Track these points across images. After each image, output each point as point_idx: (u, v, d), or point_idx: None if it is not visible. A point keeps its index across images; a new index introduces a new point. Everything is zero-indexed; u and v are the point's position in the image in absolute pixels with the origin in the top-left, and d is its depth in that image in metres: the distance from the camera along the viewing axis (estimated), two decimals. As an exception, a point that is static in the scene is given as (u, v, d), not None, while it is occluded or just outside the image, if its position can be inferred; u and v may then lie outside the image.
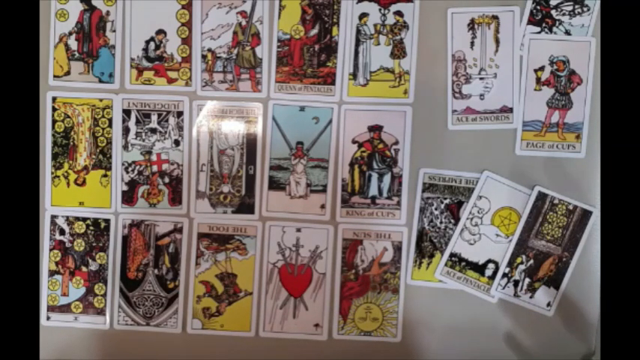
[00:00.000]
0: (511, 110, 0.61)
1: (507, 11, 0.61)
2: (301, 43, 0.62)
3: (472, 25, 0.61)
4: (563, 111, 0.62)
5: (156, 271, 0.63)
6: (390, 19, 0.62)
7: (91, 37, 0.62)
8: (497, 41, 0.61)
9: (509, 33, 0.61)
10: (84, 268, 0.63)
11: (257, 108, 0.62)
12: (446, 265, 0.62)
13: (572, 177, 0.62)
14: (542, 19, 0.61)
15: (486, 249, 0.62)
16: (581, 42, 0.61)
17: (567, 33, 0.61)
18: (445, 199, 0.62)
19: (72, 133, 0.63)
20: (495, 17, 0.61)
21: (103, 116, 0.63)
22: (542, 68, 0.61)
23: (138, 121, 0.63)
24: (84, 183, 0.63)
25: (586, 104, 0.61)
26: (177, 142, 0.63)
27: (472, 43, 0.61)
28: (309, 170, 0.63)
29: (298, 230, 0.63)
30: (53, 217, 0.63)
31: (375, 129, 0.62)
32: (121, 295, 0.63)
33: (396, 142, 0.62)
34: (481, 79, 0.61)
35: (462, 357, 0.63)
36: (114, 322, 0.63)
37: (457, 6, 0.61)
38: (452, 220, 0.62)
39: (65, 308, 0.64)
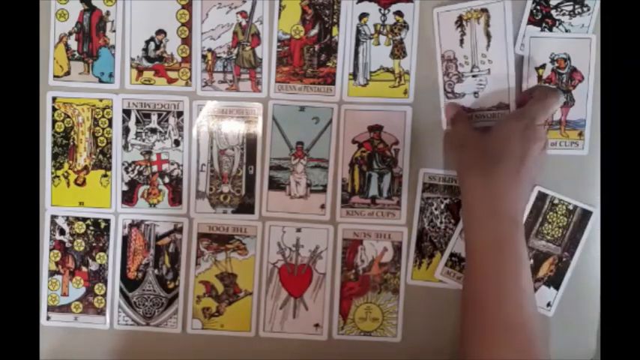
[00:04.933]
0: (507, 107, 0.61)
1: (496, 2, 0.60)
2: (301, 43, 0.62)
3: (460, 22, 0.60)
4: (565, 108, 0.61)
5: (156, 271, 0.63)
6: (390, 19, 0.61)
7: (91, 37, 0.62)
8: (488, 35, 0.60)
9: (500, 25, 0.60)
10: (84, 268, 0.63)
11: (257, 108, 0.62)
12: (446, 265, 0.62)
13: (575, 174, 0.61)
14: (542, 19, 0.61)
15: (486, 249, 0.62)
16: (582, 39, 0.61)
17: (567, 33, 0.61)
18: (445, 199, 0.62)
19: (72, 133, 0.63)
20: (484, 10, 0.60)
21: (103, 116, 0.63)
22: (543, 66, 0.61)
23: (138, 121, 0.63)
24: (84, 183, 0.63)
25: (588, 101, 0.61)
26: (177, 142, 0.63)
27: (461, 41, 0.60)
28: (309, 170, 0.63)
29: (298, 230, 0.63)
30: (53, 217, 0.63)
31: (375, 129, 0.62)
32: (121, 295, 0.63)
33: (396, 142, 0.62)
34: (474, 76, 0.61)
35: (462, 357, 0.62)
36: (114, 322, 0.63)
37: (442, 4, 0.60)
38: (452, 220, 0.62)
39: (65, 308, 0.64)
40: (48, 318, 0.64)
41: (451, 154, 0.60)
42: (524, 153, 0.52)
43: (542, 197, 0.61)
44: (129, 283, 0.63)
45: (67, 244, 0.63)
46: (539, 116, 0.55)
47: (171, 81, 0.62)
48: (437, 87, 0.61)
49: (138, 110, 0.63)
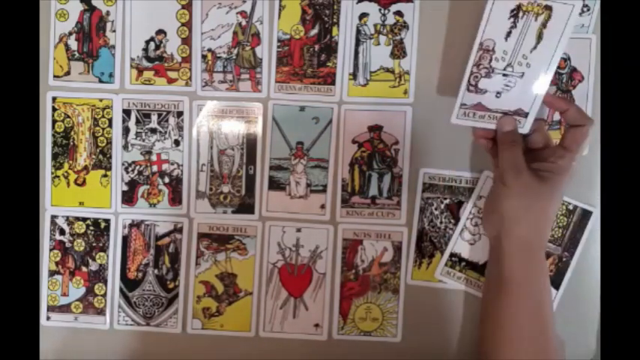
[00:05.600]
0: (526, 115, 0.56)
1: (565, 3, 0.53)
2: (301, 43, 0.62)
3: (517, 12, 0.54)
4: (565, 109, 0.61)
5: (156, 271, 0.63)
6: (390, 19, 0.61)
7: (91, 37, 0.62)
8: (539, 37, 0.54)
9: (557, 30, 0.53)
10: (84, 268, 0.63)
11: (257, 108, 0.62)
12: (446, 265, 0.62)
13: (575, 174, 0.61)
14: (542, 19, 0.61)
15: (486, 249, 0.62)
16: (581, 39, 0.61)
17: (567, 33, 0.61)
18: (445, 199, 0.62)
19: (72, 133, 0.63)
20: (548, 8, 0.53)
21: (103, 116, 0.63)
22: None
23: (138, 121, 0.63)
24: (84, 183, 0.63)
25: (588, 101, 0.61)
26: (177, 142, 0.63)
27: (509, 34, 0.54)
28: (309, 170, 0.63)
29: (298, 230, 0.63)
30: (53, 217, 0.63)
31: (375, 129, 0.62)
32: (121, 295, 0.63)
33: (396, 142, 0.62)
34: (504, 75, 0.55)
35: (462, 357, 0.62)
36: (114, 322, 0.63)
37: None
38: (452, 220, 0.62)
39: (65, 308, 0.64)
40: (48, 318, 0.64)
41: (509, 159, 0.55)
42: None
43: (542, 197, 0.61)
44: (129, 283, 0.63)
45: (67, 244, 0.63)
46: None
47: (171, 81, 0.62)
48: (438, 87, 0.61)
49: (138, 110, 0.63)
